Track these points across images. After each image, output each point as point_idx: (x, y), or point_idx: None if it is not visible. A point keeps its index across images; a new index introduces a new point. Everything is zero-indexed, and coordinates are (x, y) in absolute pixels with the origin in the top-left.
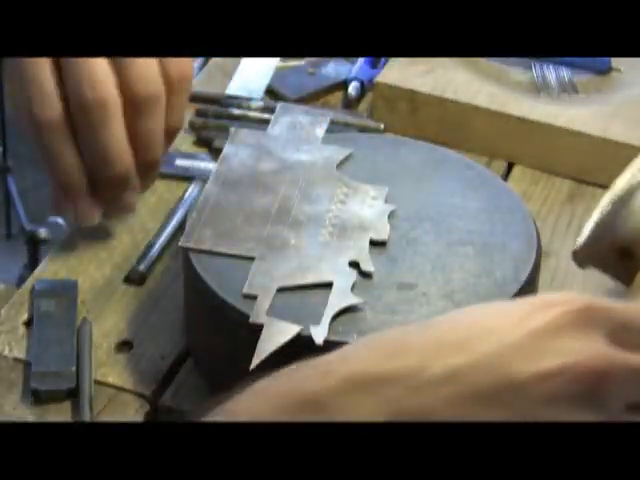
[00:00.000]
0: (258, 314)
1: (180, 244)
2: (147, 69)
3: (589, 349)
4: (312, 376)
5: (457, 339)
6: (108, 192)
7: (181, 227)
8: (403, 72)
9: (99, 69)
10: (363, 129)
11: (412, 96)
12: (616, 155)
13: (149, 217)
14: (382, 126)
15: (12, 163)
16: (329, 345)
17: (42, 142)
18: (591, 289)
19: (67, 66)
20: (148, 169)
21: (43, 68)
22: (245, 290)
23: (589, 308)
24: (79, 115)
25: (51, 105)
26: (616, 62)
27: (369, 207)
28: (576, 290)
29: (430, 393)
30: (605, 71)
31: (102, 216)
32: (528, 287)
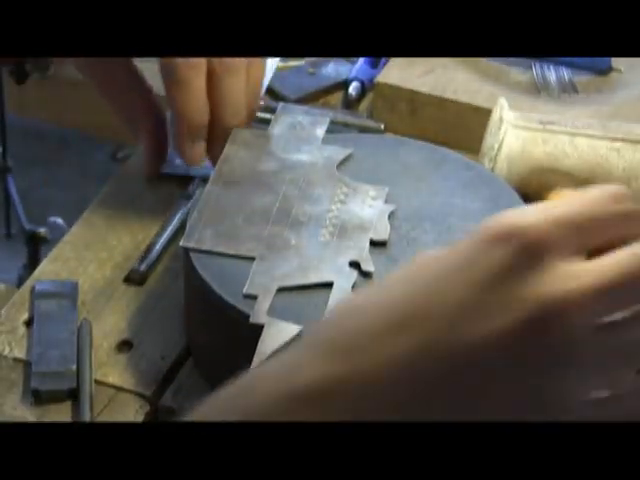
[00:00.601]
0: (258, 314)
1: (181, 244)
2: None
3: (537, 295)
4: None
5: (411, 311)
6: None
7: (181, 227)
8: (403, 72)
9: None
10: (363, 129)
11: (412, 96)
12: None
13: (149, 217)
14: (382, 126)
15: (12, 163)
16: None
17: (181, 93)
18: None
19: None
20: None
21: None
22: (245, 290)
23: (540, 239)
24: (221, 71)
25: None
26: (616, 62)
27: (369, 207)
28: None
29: (395, 383)
30: (605, 71)
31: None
32: None
